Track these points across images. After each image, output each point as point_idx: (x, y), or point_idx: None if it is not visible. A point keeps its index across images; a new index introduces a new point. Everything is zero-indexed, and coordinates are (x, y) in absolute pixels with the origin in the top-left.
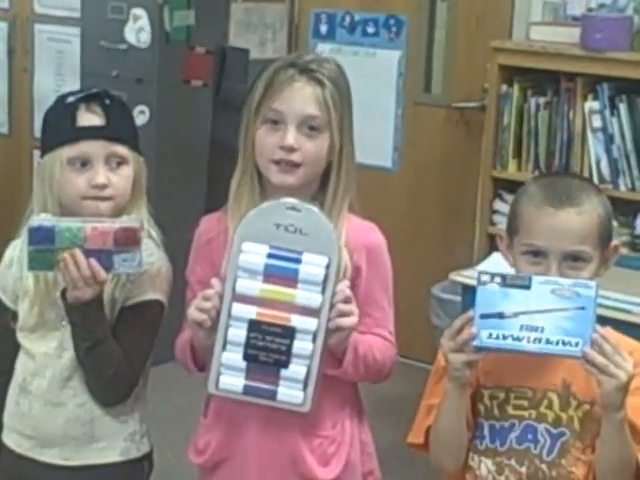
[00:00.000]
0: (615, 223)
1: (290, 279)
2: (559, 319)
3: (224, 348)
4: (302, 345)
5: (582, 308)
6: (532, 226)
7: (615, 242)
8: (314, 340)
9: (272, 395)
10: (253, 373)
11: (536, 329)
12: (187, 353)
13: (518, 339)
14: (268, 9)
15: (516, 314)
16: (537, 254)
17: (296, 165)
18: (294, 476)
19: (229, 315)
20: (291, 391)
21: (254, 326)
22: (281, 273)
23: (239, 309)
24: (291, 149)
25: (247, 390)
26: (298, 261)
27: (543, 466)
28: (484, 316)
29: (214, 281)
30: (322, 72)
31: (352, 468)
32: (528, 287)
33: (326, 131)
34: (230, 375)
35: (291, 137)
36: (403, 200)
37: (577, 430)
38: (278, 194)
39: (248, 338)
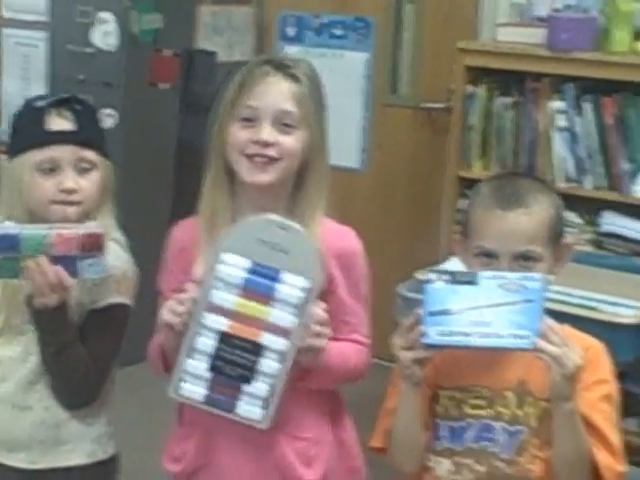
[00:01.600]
0: (581, 221)
1: (267, 297)
2: (508, 313)
3: (190, 355)
4: (268, 363)
5: (530, 301)
6: (482, 228)
7: (567, 240)
8: (282, 360)
9: (231, 408)
10: (216, 384)
11: (485, 324)
12: (158, 356)
13: (467, 335)
14: (235, 12)
15: (465, 310)
16: (488, 256)
17: (272, 160)
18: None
19: (200, 323)
20: (251, 407)
21: (224, 338)
22: (259, 289)
23: (211, 319)
24: (266, 144)
25: (207, 400)
26: (278, 280)
27: (501, 464)
28: (433, 313)
29: (190, 286)
30: (297, 68)
31: (333, 468)
32: (476, 283)
33: (301, 128)
34: (193, 383)
35: (266, 132)
36: (371, 201)
37: (534, 427)
38: (251, 194)
39: (215, 349)
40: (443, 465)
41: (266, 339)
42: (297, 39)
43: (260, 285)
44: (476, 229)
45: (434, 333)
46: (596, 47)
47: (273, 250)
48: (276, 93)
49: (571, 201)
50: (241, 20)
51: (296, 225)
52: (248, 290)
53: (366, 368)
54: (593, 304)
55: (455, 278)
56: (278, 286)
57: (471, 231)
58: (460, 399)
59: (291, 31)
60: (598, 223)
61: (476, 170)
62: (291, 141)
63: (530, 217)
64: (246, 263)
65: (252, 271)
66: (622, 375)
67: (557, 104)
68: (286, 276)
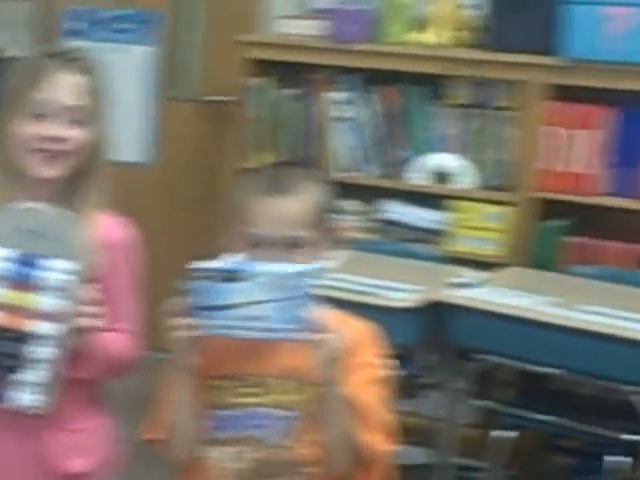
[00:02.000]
0: (361, 209)
1: (31, 284)
2: (277, 306)
3: None
4: (40, 350)
5: (298, 293)
6: (251, 216)
7: (334, 226)
8: (55, 345)
9: (3, 399)
10: None
11: (255, 318)
12: None
13: (235, 328)
14: (18, 6)
15: (233, 304)
16: (259, 243)
17: (60, 154)
18: (45, 475)
19: None
20: (26, 395)
21: None
22: (21, 278)
23: None
24: (56, 139)
25: None
26: (41, 266)
27: (275, 450)
28: (202, 308)
29: None
30: (85, 61)
31: (106, 457)
32: (246, 278)
33: (90, 121)
34: None
35: (55, 128)
36: (157, 195)
37: (308, 412)
38: (33, 188)
39: None
40: (219, 454)
41: (34, 326)
42: (82, 34)
43: (22, 274)
44: (247, 217)
45: (203, 327)
46: (374, 39)
47: (34, 237)
48: (66, 87)
49: (351, 189)
50: (24, 15)
51: (58, 210)
52: (11, 280)
53: (134, 358)
54: (371, 290)
55: (223, 271)
56: (42, 272)
57: (243, 220)
58: (231, 388)
59: (76, 25)
60: (377, 210)
61: (262, 163)
62: (81, 134)
63: (297, 204)
64: (6, 253)
65: (13, 260)
66: (399, 358)
67: (336, 95)
68: (50, 261)
